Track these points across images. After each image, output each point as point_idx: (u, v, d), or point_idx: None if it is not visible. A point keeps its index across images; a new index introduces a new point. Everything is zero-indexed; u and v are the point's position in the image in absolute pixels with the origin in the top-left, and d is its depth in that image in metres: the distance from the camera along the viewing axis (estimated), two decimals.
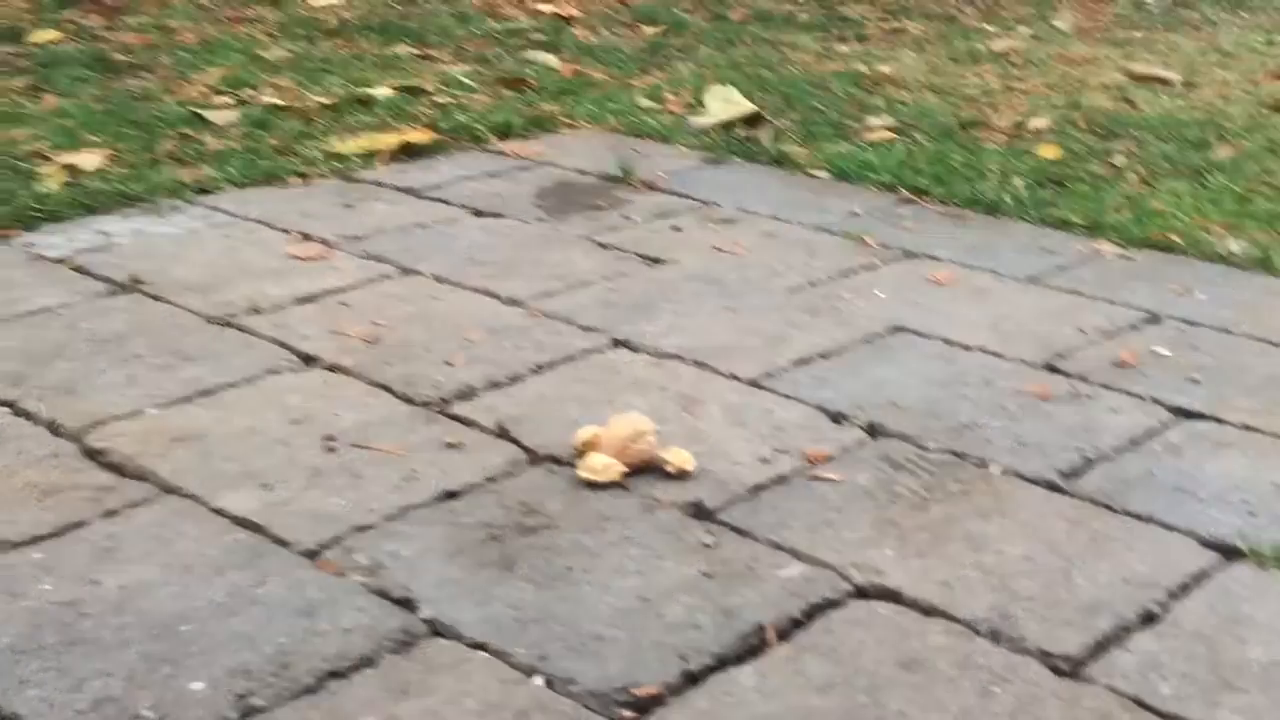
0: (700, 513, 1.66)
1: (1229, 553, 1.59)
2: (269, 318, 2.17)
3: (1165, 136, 3.34)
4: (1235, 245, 2.60)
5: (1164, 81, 3.95)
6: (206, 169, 2.84)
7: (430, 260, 2.43)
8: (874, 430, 1.87)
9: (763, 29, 4.50)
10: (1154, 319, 2.27)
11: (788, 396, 1.96)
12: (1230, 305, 2.32)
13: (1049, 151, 3.21)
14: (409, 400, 1.92)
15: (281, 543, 1.56)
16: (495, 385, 1.97)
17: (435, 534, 1.59)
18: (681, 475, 1.73)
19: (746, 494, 1.70)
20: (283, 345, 2.07)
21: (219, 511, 1.62)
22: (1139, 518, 1.66)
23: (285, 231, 2.55)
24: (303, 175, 2.87)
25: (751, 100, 3.51)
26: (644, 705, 1.32)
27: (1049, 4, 5.10)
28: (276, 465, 1.73)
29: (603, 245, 2.55)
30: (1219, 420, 1.91)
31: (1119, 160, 3.15)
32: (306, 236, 2.53)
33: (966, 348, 2.14)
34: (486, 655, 1.38)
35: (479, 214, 2.71)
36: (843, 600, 1.50)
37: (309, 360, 2.03)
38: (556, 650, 1.39)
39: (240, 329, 2.12)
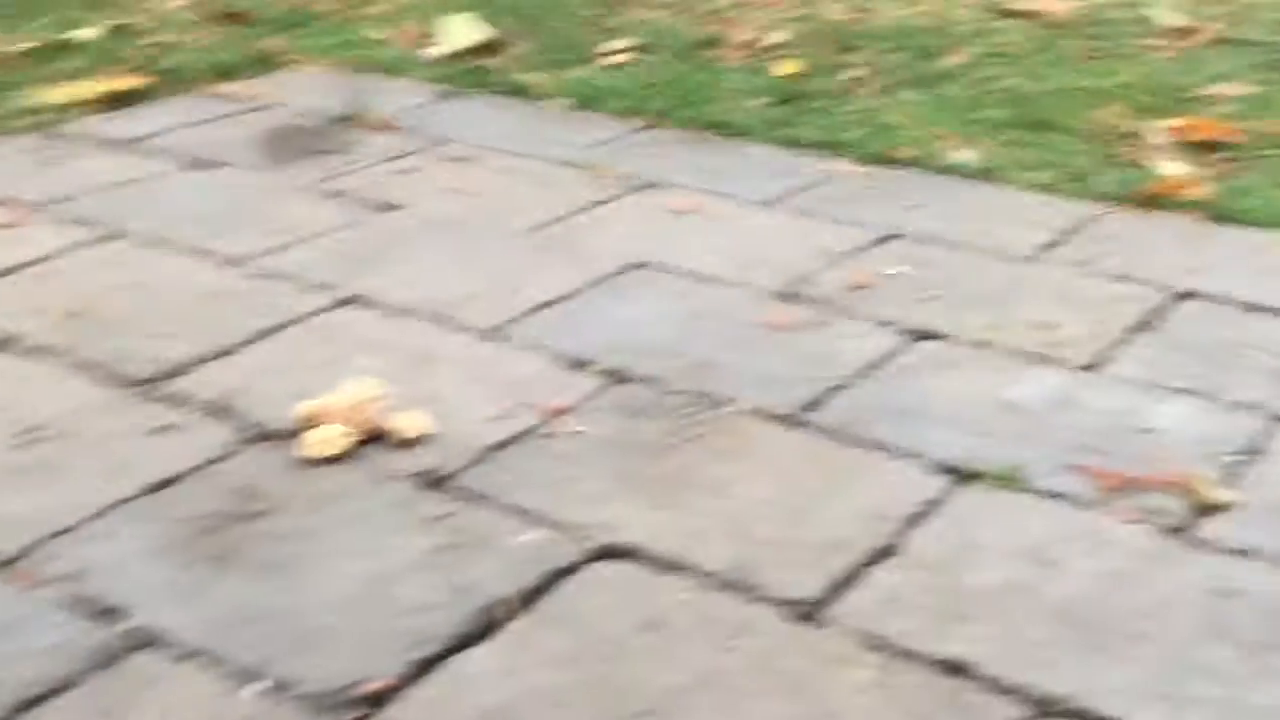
0: (435, 481, 1.59)
1: (962, 476, 1.60)
2: None
3: (900, 46, 3.37)
4: (966, 155, 2.63)
5: None
6: None
7: (141, 220, 2.27)
8: (615, 376, 1.83)
9: None
10: (890, 237, 2.28)
11: (526, 346, 1.90)
12: (963, 218, 2.35)
13: (787, 67, 3.20)
14: (118, 381, 1.78)
15: None
16: (213, 357, 1.85)
17: (145, 531, 1.48)
18: (415, 442, 1.66)
19: (484, 456, 1.64)
20: None
21: None
22: (875, 447, 1.66)
23: None
24: None
25: (489, 26, 3.40)
26: (374, 701, 1.25)
27: None
28: None
29: (331, 193, 2.43)
30: (952, 339, 1.93)
31: (855, 74, 3.16)
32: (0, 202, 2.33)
33: (707, 280, 2.11)
34: (203, 662, 1.29)
35: (196, 165, 2.54)
36: (583, 563, 1.45)
37: (2, 344, 1.87)
38: (279, 650, 1.30)
39: None
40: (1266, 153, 2.61)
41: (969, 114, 2.87)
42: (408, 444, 1.65)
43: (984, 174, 2.55)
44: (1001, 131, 2.76)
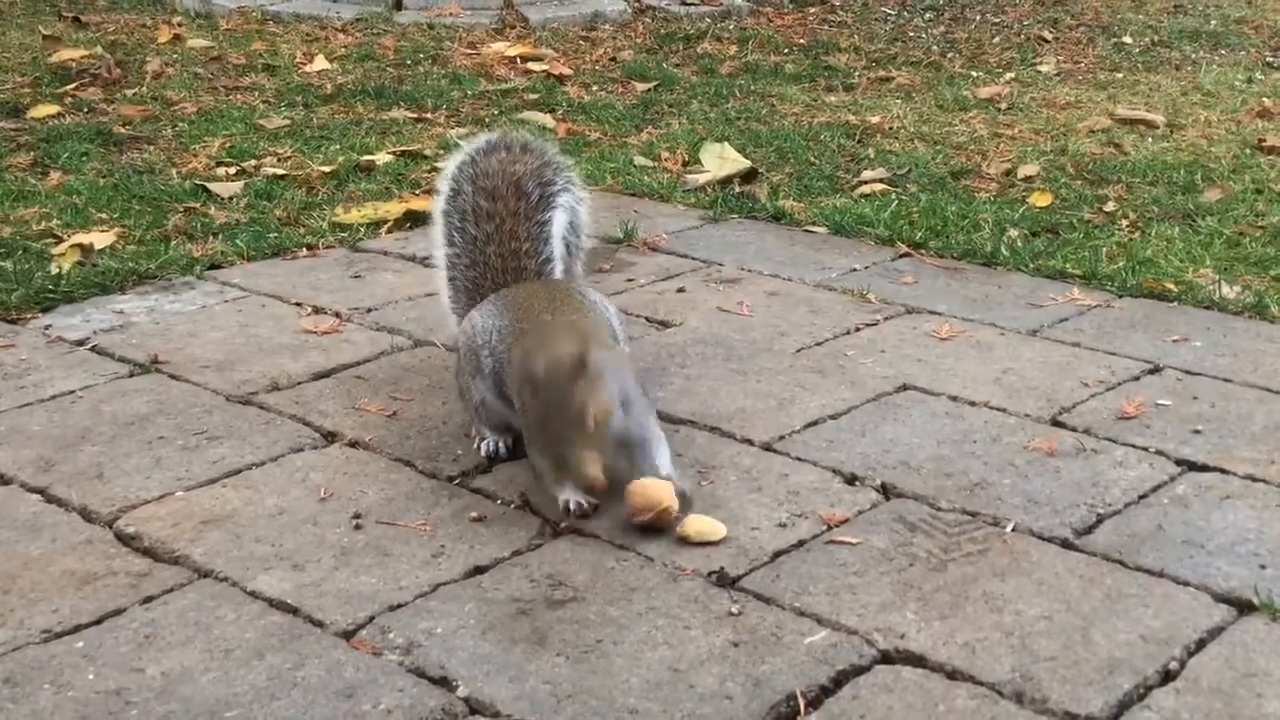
0: (724, 580, 1.70)
1: (1242, 607, 1.63)
2: (288, 394, 2.20)
3: (1153, 180, 3.41)
4: (1228, 290, 2.65)
5: (1149, 124, 4.02)
6: (215, 243, 2.89)
7: (441, 333, 2.47)
8: (888, 491, 1.91)
9: (751, 81, 4.57)
10: (1154, 369, 2.32)
11: (801, 459, 2.00)
12: (1227, 353, 2.37)
13: (1040, 199, 3.27)
14: (431, 475, 1.96)
15: (317, 624, 1.59)
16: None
17: (467, 610, 1.62)
18: (704, 543, 1.77)
19: (768, 560, 1.74)
20: (303, 422, 2.11)
21: (254, 594, 1.65)
22: (1151, 573, 1.71)
23: (297, 305, 2.59)
24: (310, 246, 2.92)
25: (745, 155, 3.57)
26: None
27: (1032, 48, 5.18)
28: (307, 545, 1.76)
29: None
30: (1224, 471, 1.96)
31: (1110, 206, 3.21)
32: (318, 309, 2.57)
33: (973, 404, 2.18)
34: None
35: None
36: (869, 666, 1.53)
37: (329, 437, 2.07)
38: None
39: (261, 407, 2.16)
40: None
41: (1230, 249, 2.89)
42: (697, 545, 1.77)
43: (1247, 308, 2.56)
44: (1265, 267, 2.77)
